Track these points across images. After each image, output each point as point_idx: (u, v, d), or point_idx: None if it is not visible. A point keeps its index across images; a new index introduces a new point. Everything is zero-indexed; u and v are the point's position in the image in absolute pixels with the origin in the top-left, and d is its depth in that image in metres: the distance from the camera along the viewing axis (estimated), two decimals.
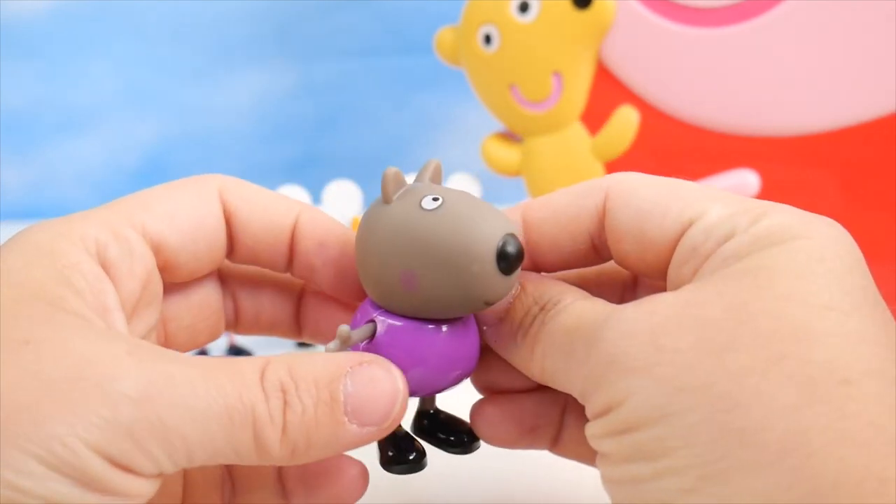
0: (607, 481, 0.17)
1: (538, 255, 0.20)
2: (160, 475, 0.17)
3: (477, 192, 0.41)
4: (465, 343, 0.20)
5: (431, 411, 0.23)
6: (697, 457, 0.15)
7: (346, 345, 0.19)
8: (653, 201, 0.18)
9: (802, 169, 0.34)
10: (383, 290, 0.20)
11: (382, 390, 0.18)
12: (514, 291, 0.20)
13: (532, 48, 0.36)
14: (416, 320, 0.19)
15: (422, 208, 0.19)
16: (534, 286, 0.20)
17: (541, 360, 0.19)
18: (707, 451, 0.15)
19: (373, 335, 0.20)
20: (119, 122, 0.70)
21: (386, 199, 0.20)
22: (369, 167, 0.71)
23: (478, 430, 0.22)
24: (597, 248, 0.20)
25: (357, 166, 0.70)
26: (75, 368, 0.16)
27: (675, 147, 0.36)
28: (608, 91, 0.36)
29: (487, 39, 0.37)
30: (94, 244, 0.19)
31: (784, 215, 0.17)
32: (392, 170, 0.20)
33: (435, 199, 0.19)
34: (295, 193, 0.40)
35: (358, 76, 0.69)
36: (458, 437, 0.22)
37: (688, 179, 0.36)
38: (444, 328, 0.20)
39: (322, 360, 0.18)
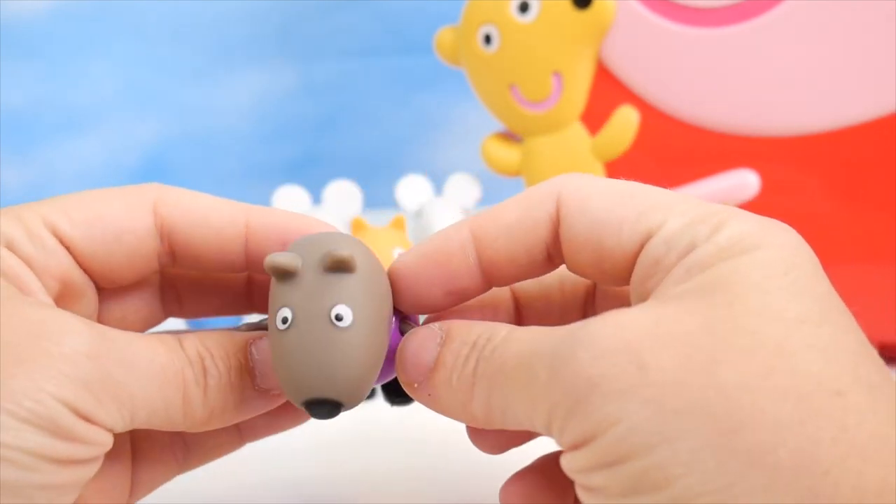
0: None
1: (495, 271, 0.19)
2: (112, 431, 0.18)
3: (477, 192, 0.41)
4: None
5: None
6: (707, 483, 0.14)
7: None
8: (608, 210, 0.18)
9: (802, 169, 0.34)
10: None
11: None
12: (438, 340, 0.18)
13: (532, 48, 0.36)
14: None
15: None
16: (459, 330, 0.18)
17: (485, 399, 0.17)
18: (717, 476, 0.14)
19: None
20: (119, 122, 0.70)
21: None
22: (369, 167, 0.71)
23: (472, 435, 0.21)
24: (551, 257, 0.19)
25: (357, 166, 0.70)
26: (31, 332, 0.17)
27: (675, 147, 0.36)
28: (608, 91, 0.36)
29: (487, 39, 0.37)
30: (4, 238, 0.19)
31: (743, 224, 0.16)
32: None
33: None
34: (295, 193, 0.40)
35: (358, 76, 0.69)
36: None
37: (688, 179, 0.36)
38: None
39: (228, 334, 0.20)
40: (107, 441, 0.18)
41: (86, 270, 0.20)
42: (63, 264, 0.20)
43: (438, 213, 0.39)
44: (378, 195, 0.46)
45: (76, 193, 0.22)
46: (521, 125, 0.39)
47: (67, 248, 0.20)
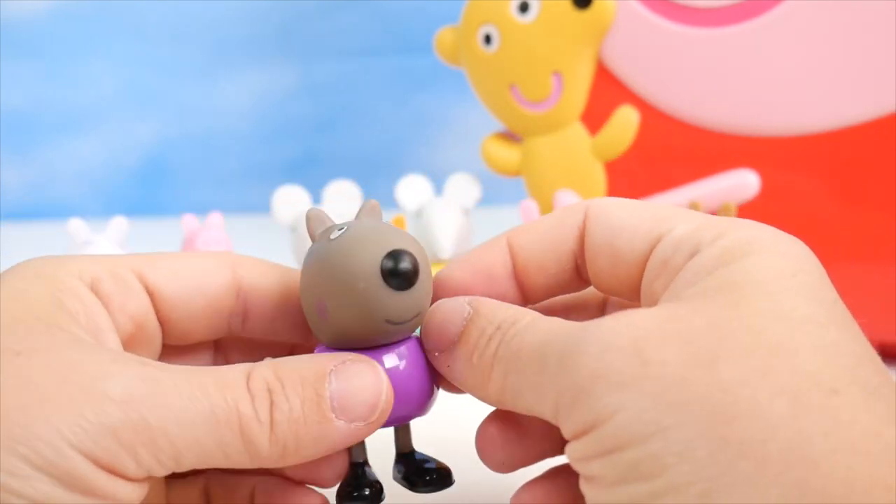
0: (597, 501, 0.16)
1: (526, 279, 0.20)
2: (147, 478, 0.17)
3: (477, 193, 0.41)
4: (410, 372, 0.20)
5: (408, 453, 0.23)
6: (697, 472, 0.14)
7: None
8: (625, 220, 0.19)
9: (802, 169, 0.34)
10: (313, 325, 0.21)
11: (366, 384, 0.19)
12: (466, 315, 0.19)
13: (532, 48, 0.36)
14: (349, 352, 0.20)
15: (329, 240, 0.20)
16: (488, 309, 0.19)
17: (501, 381, 0.18)
18: (707, 465, 0.14)
19: None
20: (119, 121, 0.70)
21: (311, 238, 0.21)
22: (369, 167, 0.71)
23: (481, 453, 0.21)
24: (579, 271, 0.20)
25: (357, 166, 0.70)
26: (61, 373, 0.16)
27: (675, 147, 0.36)
28: (608, 91, 0.36)
29: (487, 39, 0.37)
30: (89, 276, 0.19)
31: (748, 230, 0.17)
32: (313, 210, 0.22)
33: (340, 230, 0.20)
34: (295, 193, 0.40)
35: (358, 76, 0.69)
36: (426, 475, 0.22)
37: (688, 179, 0.36)
38: (386, 359, 0.20)
39: (306, 361, 0.19)
40: (132, 495, 0.17)
41: (162, 320, 0.20)
42: (142, 304, 0.20)
43: (438, 213, 0.39)
44: (378, 195, 0.46)
45: (158, 252, 0.21)
46: (521, 125, 0.39)
47: (150, 294, 0.20)
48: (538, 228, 0.20)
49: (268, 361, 0.19)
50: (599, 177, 0.37)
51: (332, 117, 0.71)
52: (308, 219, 0.22)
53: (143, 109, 0.70)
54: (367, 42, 0.68)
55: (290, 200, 0.40)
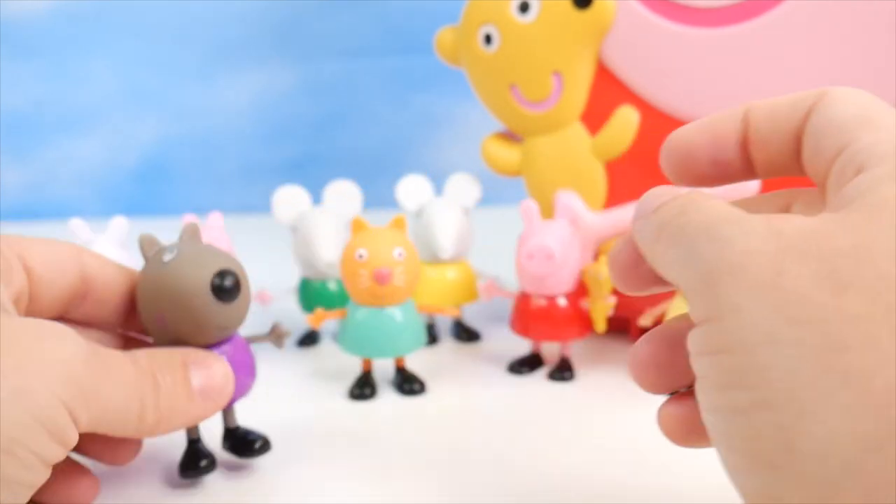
0: (705, 410, 0.17)
1: (753, 150, 0.20)
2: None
3: (477, 193, 0.41)
4: (237, 364, 0.27)
5: (234, 428, 0.29)
6: (797, 392, 0.14)
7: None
8: (838, 114, 0.18)
9: None
10: (153, 333, 0.26)
11: (219, 374, 0.25)
12: (671, 197, 0.19)
13: (532, 48, 0.36)
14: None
15: (163, 262, 0.25)
16: (685, 194, 0.20)
17: (664, 252, 0.18)
18: (809, 387, 0.14)
19: None
20: (119, 122, 0.70)
21: (144, 258, 0.27)
22: (369, 167, 0.71)
23: (633, 374, 0.21)
24: (798, 154, 0.19)
25: (357, 166, 0.70)
26: (33, 335, 0.21)
27: None
28: (608, 91, 0.36)
29: (487, 39, 0.37)
30: None
31: None
32: (144, 235, 0.27)
33: (170, 252, 0.26)
34: (295, 193, 0.40)
35: (358, 76, 0.69)
36: (250, 445, 0.28)
37: None
38: (217, 354, 0.26)
39: (169, 352, 0.25)
40: (73, 445, 0.21)
41: (31, 295, 0.25)
42: (23, 284, 0.24)
43: (438, 213, 0.39)
44: (378, 195, 0.46)
45: (24, 237, 0.26)
46: (521, 125, 0.39)
47: (27, 273, 0.24)
48: (775, 104, 0.20)
49: (140, 351, 0.24)
50: (600, 177, 0.37)
51: (332, 117, 0.71)
52: (140, 241, 0.27)
53: (143, 109, 0.70)
54: (367, 42, 0.69)
55: (291, 200, 0.40)
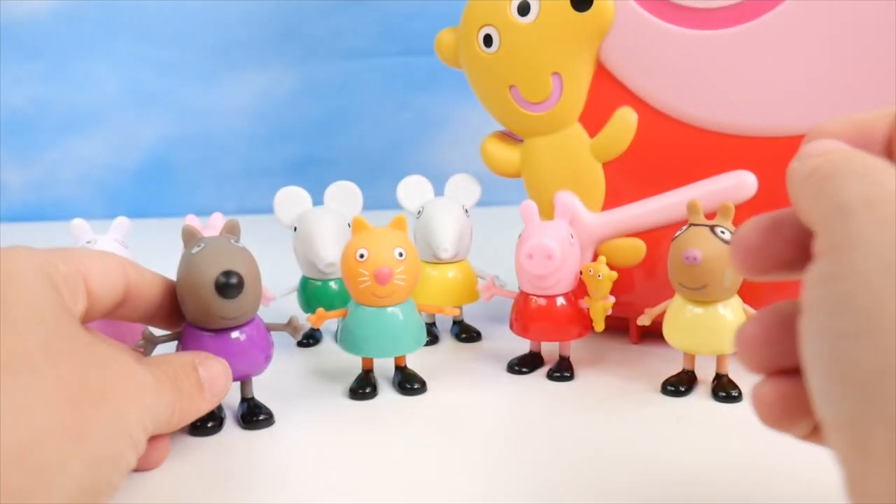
0: (809, 337, 0.17)
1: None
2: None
3: (477, 193, 0.41)
4: (251, 343, 0.31)
5: (248, 399, 0.33)
6: None
7: (152, 343, 0.31)
8: None
9: None
10: (182, 309, 0.31)
11: (220, 373, 0.29)
12: (827, 145, 0.20)
13: (532, 49, 0.36)
14: (202, 330, 0.30)
15: (191, 253, 0.30)
16: (849, 148, 0.20)
17: (811, 188, 0.18)
18: None
19: (178, 338, 0.31)
20: (121, 122, 0.70)
21: (185, 246, 0.31)
22: (370, 168, 0.71)
23: (740, 352, 0.21)
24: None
25: (358, 167, 0.71)
26: (121, 371, 0.24)
27: (675, 147, 0.36)
28: (608, 92, 0.37)
29: (487, 41, 0.37)
30: (61, 276, 0.25)
31: None
32: (187, 226, 0.32)
33: (199, 246, 0.30)
34: (296, 194, 0.40)
35: (359, 77, 0.70)
36: (256, 416, 0.32)
37: (687, 180, 0.36)
38: (232, 335, 0.31)
39: (181, 357, 0.29)
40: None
41: (87, 313, 0.27)
42: (86, 305, 0.27)
43: (438, 213, 0.40)
44: (379, 195, 0.46)
45: (83, 251, 0.28)
46: (520, 126, 0.39)
47: (88, 293, 0.27)
48: (856, 117, 0.21)
49: (157, 360, 0.28)
50: (599, 178, 0.38)
51: (333, 118, 0.71)
52: (182, 231, 0.32)
53: (145, 110, 0.70)
54: (368, 43, 0.69)
55: (292, 201, 0.40)
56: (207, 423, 0.31)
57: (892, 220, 0.16)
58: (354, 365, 0.36)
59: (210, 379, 0.28)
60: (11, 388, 0.21)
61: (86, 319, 0.27)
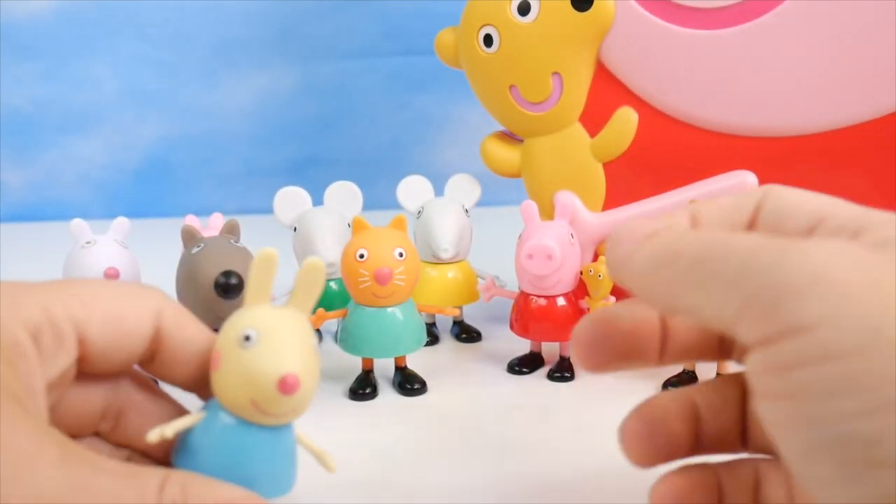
0: (802, 425, 0.15)
1: None
2: None
3: (477, 192, 0.41)
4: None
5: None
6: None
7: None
8: (795, 201, 0.19)
9: (801, 169, 0.34)
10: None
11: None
12: (648, 232, 0.19)
13: (532, 49, 0.36)
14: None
15: (191, 253, 0.30)
16: (684, 222, 0.20)
17: (678, 278, 0.18)
18: None
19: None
20: (121, 122, 0.70)
21: (185, 246, 0.31)
22: (370, 168, 0.71)
23: (624, 448, 0.21)
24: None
25: (358, 167, 0.71)
26: (11, 466, 0.17)
27: (675, 147, 0.36)
28: (608, 91, 0.37)
29: (487, 40, 0.37)
30: (33, 327, 0.19)
31: None
32: (186, 227, 0.32)
33: (198, 246, 0.31)
34: (296, 194, 0.40)
35: (359, 77, 0.70)
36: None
37: (688, 179, 0.36)
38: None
39: (213, 488, 0.19)
40: None
41: (82, 359, 0.21)
42: (70, 358, 0.20)
43: (438, 213, 0.40)
44: (379, 195, 0.46)
45: (89, 283, 0.22)
46: (520, 126, 0.39)
47: (83, 340, 0.20)
48: (720, 203, 0.21)
49: (181, 475, 0.19)
50: (599, 178, 0.38)
51: (333, 118, 0.71)
52: (182, 231, 0.32)
53: (145, 110, 0.70)
54: (368, 43, 0.69)
55: (292, 201, 0.40)
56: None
57: (858, 293, 0.15)
58: (354, 365, 0.36)
59: None
60: None
61: (84, 377, 0.21)
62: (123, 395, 0.23)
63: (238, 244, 0.32)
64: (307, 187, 0.40)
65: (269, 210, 0.40)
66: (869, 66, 0.33)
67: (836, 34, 0.33)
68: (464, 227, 0.40)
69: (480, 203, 0.41)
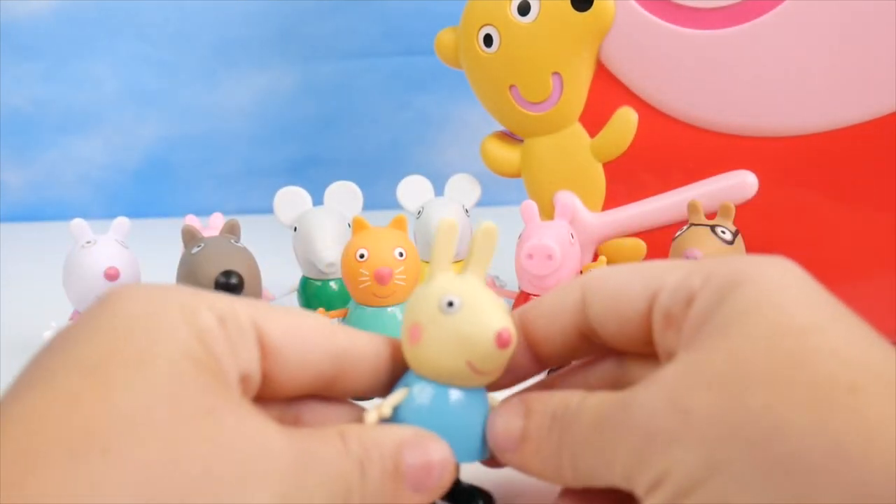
0: None
1: (537, 349, 0.23)
2: None
3: (477, 193, 0.41)
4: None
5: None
6: (758, 495, 0.15)
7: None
8: (620, 285, 0.21)
9: (801, 169, 0.34)
10: None
11: (435, 460, 0.20)
12: (521, 414, 0.21)
13: (532, 49, 0.36)
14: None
15: (191, 253, 0.31)
16: (539, 404, 0.21)
17: (571, 464, 0.20)
18: (764, 488, 0.15)
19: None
20: (121, 122, 0.70)
21: (185, 246, 0.32)
22: (370, 168, 0.71)
23: None
24: (586, 339, 0.22)
25: (358, 167, 0.71)
26: (246, 442, 0.17)
27: (675, 147, 0.36)
28: (608, 91, 0.37)
29: (487, 40, 0.37)
30: (218, 314, 0.19)
31: (730, 265, 0.19)
32: (186, 227, 0.32)
33: (198, 246, 0.31)
34: (297, 194, 0.40)
35: (359, 77, 0.70)
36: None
37: (688, 179, 0.36)
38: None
39: (384, 434, 0.20)
40: None
41: (265, 375, 0.20)
42: (252, 359, 0.20)
43: (438, 213, 0.40)
44: (379, 195, 0.46)
45: (273, 305, 0.21)
46: (520, 126, 0.39)
47: (262, 348, 0.20)
48: (543, 307, 0.22)
49: (353, 430, 0.20)
50: (599, 178, 0.38)
51: (333, 118, 0.71)
52: (182, 232, 0.32)
53: (145, 110, 0.70)
54: (368, 43, 0.69)
55: (292, 201, 0.40)
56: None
57: (677, 438, 0.17)
58: None
59: (418, 468, 0.20)
60: (63, 476, 0.15)
61: (268, 388, 0.21)
62: (297, 403, 0.22)
63: (238, 244, 0.32)
64: (307, 187, 0.40)
65: (269, 210, 0.40)
66: (869, 66, 0.33)
67: (836, 34, 0.33)
68: (464, 227, 0.40)
69: (480, 203, 0.41)
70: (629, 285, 0.21)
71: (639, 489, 0.18)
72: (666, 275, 0.20)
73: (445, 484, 0.20)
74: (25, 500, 0.15)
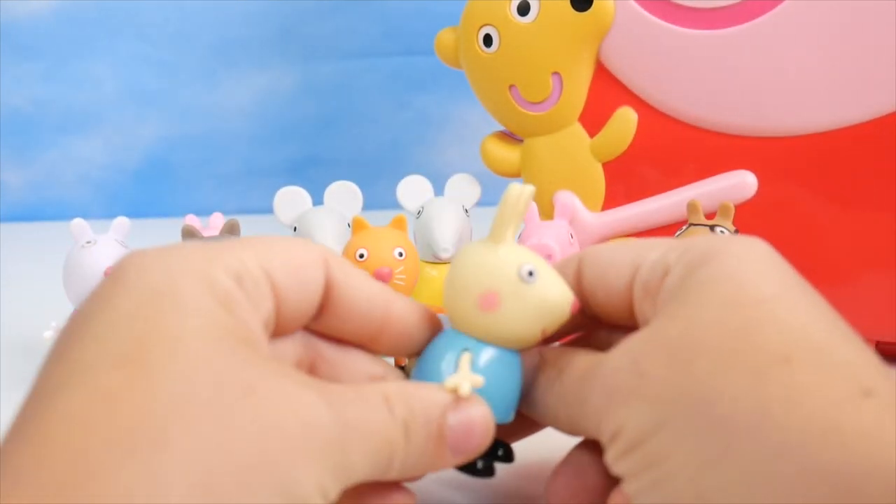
0: (634, 497, 0.19)
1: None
2: None
3: (477, 193, 0.41)
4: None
5: None
6: (692, 450, 0.17)
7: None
8: (610, 258, 0.23)
9: (801, 169, 0.34)
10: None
11: (478, 423, 0.20)
12: (537, 362, 0.23)
13: (531, 49, 0.36)
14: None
15: None
16: (552, 355, 0.23)
17: (565, 412, 0.22)
18: (696, 443, 0.17)
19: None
20: (121, 122, 0.70)
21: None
22: (370, 168, 0.71)
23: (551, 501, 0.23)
24: (583, 312, 0.23)
25: (358, 167, 0.71)
26: (292, 419, 0.17)
27: (675, 147, 0.36)
28: (608, 91, 0.37)
29: (487, 40, 0.37)
30: (235, 274, 0.19)
31: (707, 242, 0.21)
32: (186, 226, 0.32)
33: None
34: (296, 194, 0.40)
35: (359, 77, 0.70)
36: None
37: (687, 179, 0.36)
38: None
39: (429, 394, 0.20)
40: None
41: (278, 314, 0.21)
42: (271, 309, 0.20)
43: (438, 213, 0.40)
44: (379, 195, 0.46)
45: (265, 238, 0.21)
46: (520, 126, 0.39)
47: (275, 296, 0.20)
48: None
49: (396, 390, 0.20)
50: (598, 177, 0.38)
51: (333, 118, 0.71)
52: (182, 231, 0.31)
53: (145, 110, 0.70)
54: (368, 43, 0.69)
55: (292, 201, 0.40)
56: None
57: (632, 396, 0.19)
58: None
59: (460, 431, 0.20)
60: (122, 474, 0.15)
61: (276, 332, 0.21)
62: (312, 349, 0.23)
63: None
64: (307, 187, 0.40)
65: (269, 210, 0.40)
66: (869, 66, 0.33)
67: (836, 34, 0.33)
68: (464, 227, 0.40)
69: (480, 203, 0.41)
70: (618, 259, 0.22)
71: (603, 438, 0.20)
72: (649, 251, 0.22)
73: (484, 445, 0.21)
74: (90, 500, 0.14)
